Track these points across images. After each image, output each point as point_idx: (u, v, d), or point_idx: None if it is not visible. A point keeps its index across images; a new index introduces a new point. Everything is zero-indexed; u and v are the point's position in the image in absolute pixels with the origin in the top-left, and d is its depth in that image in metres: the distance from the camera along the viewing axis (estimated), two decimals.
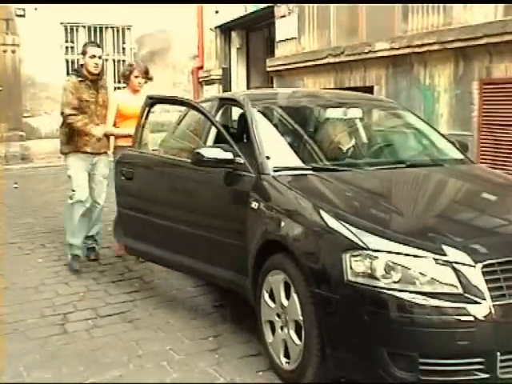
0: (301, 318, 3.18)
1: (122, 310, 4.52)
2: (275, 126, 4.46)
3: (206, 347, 3.88)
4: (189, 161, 4.21)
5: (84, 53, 5.63)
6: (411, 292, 2.78)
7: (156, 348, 3.88)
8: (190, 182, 4.40)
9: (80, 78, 5.60)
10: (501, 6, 6.37)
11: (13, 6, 13.31)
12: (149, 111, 5.08)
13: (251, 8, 12.40)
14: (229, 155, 3.92)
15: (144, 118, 5.07)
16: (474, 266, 2.81)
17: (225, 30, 14.53)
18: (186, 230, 4.32)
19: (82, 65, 5.71)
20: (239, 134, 5.01)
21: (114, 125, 5.81)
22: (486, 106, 6.48)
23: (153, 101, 5.07)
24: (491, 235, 3.23)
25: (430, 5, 7.11)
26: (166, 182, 4.67)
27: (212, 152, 3.94)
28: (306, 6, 10.03)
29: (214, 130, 4.82)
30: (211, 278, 4.40)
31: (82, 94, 5.55)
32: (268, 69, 11.32)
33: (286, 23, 10.75)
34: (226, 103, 5.00)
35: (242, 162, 3.94)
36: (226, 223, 4.06)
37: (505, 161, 6.20)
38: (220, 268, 4.09)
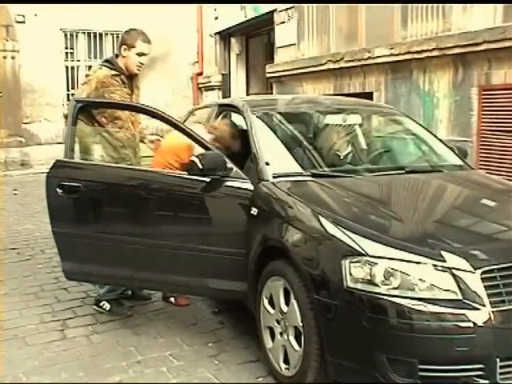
0: (300, 323, 3.18)
1: (121, 316, 4.51)
2: (274, 132, 4.46)
3: (206, 353, 3.88)
4: (171, 172, 4.16)
5: (129, 46, 4.48)
6: (410, 298, 2.78)
7: (155, 354, 3.87)
8: (177, 193, 4.06)
9: (114, 72, 4.49)
10: (500, 12, 6.39)
11: (13, 12, 13.32)
12: (77, 117, 4.30)
13: (251, 13, 12.41)
14: (223, 163, 3.89)
15: (72, 123, 4.25)
16: (473, 272, 2.81)
17: (224, 36, 14.56)
18: (171, 245, 4.02)
19: (116, 55, 4.61)
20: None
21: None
22: (485, 112, 6.50)
23: (81, 105, 4.33)
24: (490, 241, 3.23)
25: (430, 11, 7.13)
26: (140, 195, 4.17)
27: (206, 160, 3.83)
28: (305, 12, 10.06)
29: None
30: (205, 291, 4.21)
31: (112, 94, 4.43)
32: (267, 75, 11.34)
33: (285, 29, 10.78)
34: (225, 109, 5.01)
35: (235, 169, 3.93)
36: (222, 231, 4.00)
37: (504, 167, 6.20)
38: (216, 279, 3.98)
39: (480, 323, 2.73)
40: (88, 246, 4.22)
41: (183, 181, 4.01)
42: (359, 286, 2.88)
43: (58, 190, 4.20)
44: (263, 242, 3.59)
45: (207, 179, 3.90)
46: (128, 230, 4.17)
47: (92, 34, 14.47)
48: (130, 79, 4.62)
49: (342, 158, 4.53)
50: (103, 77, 4.45)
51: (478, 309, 2.75)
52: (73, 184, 4.16)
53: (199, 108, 6.45)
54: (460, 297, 2.78)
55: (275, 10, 11.12)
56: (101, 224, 4.29)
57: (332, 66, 9.04)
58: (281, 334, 3.41)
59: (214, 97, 14.55)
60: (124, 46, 4.51)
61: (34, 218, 8.30)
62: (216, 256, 3.90)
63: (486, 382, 2.77)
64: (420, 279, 2.82)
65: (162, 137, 4.98)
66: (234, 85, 14.53)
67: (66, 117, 4.49)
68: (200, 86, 15.56)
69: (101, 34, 14.58)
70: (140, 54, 4.51)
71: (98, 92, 4.41)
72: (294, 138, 4.50)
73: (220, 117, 4.95)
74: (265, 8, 11.66)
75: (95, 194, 4.28)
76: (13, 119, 13.51)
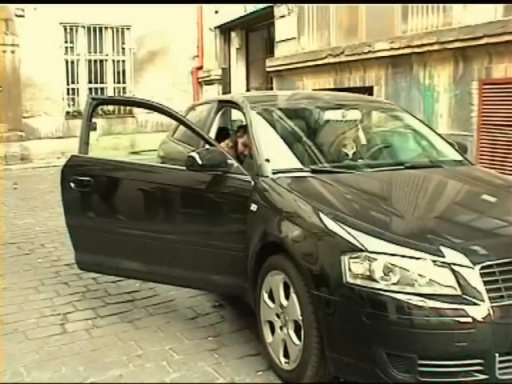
0: (300, 318, 3.19)
1: (121, 310, 4.53)
2: (274, 128, 4.46)
3: (206, 347, 3.89)
4: (177, 166, 4.18)
5: None
6: (410, 293, 2.79)
7: (156, 348, 3.88)
8: (181, 188, 4.20)
9: None
10: (500, 6, 6.39)
11: (12, 6, 13.29)
12: (92, 113, 4.59)
13: (250, 8, 12.40)
14: (224, 159, 3.91)
15: (87, 120, 4.54)
16: (472, 268, 2.81)
17: (224, 30, 14.54)
18: (174, 239, 4.15)
19: None
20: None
21: None
22: (485, 107, 6.49)
23: (96, 102, 4.69)
24: (490, 237, 3.23)
25: (430, 5, 7.12)
26: (148, 190, 4.39)
27: (206, 156, 3.86)
28: (305, 6, 10.04)
29: (213, 132, 4.86)
30: (207, 285, 4.30)
31: None
32: (267, 69, 11.33)
33: (285, 23, 10.75)
34: (225, 105, 5.02)
35: (235, 164, 3.95)
36: (223, 227, 4.02)
37: (504, 162, 6.21)
38: (217, 273, 4.05)
39: (479, 318, 2.74)
40: (99, 239, 4.44)
41: (185, 176, 4.05)
42: (359, 281, 2.88)
43: (71, 184, 4.42)
44: (263, 237, 3.59)
45: (208, 175, 3.94)
46: (136, 224, 4.34)
47: (92, 28, 14.44)
48: None
49: (341, 153, 4.54)
50: None
51: (477, 304, 2.76)
52: (86, 178, 4.38)
53: (199, 104, 6.45)
54: (459, 292, 2.78)
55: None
56: (112, 218, 4.48)
57: (332, 60, 9.03)
58: (281, 328, 3.42)
59: (213, 91, 14.54)
60: None
61: (34, 213, 8.32)
62: (217, 251, 3.94)
63: (485, 377, 2.77)
64: (419, 275, 2.82)
65: None
66: (234, 79, 14.52)
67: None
68: (200, 80, 15.54)
69: (100, 28, 14.55)
70: None
71: None
72: (294, 134, 4.49)
73: (220, 112, 4.95)
74: (263, 4, 11.65)
75: (106, 188, 4.51)
76: (13, 113, 13.49)
